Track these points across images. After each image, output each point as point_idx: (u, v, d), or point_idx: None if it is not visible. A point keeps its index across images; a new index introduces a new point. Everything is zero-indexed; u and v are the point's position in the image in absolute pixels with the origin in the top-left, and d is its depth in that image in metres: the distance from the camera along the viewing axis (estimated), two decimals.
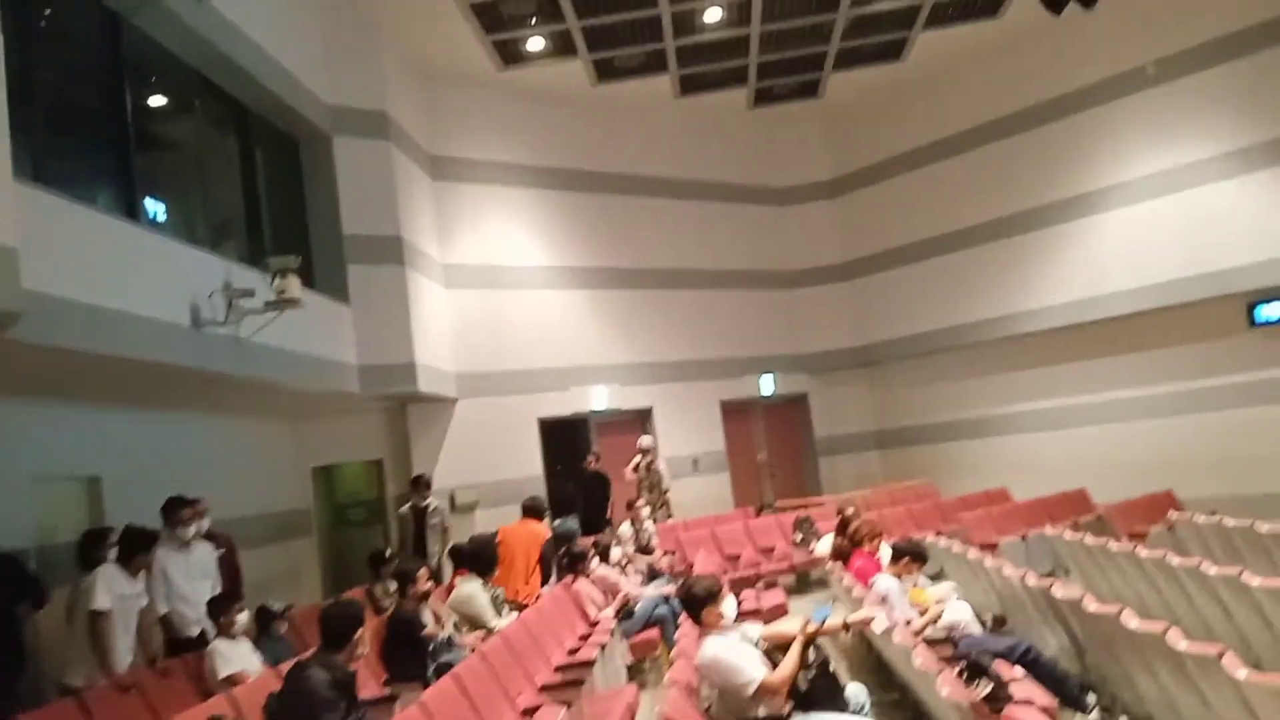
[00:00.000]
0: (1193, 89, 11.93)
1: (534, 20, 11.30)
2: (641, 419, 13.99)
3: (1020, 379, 14.15)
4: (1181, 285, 11.96)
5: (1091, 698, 5.06)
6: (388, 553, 8.70)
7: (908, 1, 11.98)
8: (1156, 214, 12.24)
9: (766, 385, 15.39)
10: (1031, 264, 13.59)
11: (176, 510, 6.47)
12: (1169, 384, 12.59)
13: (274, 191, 9.53)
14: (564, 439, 13.23)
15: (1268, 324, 11.64)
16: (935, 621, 5.92)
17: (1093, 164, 12.87)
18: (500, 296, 12.81)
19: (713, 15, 11.78)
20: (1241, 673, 3.71)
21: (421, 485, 10.15)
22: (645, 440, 12.22)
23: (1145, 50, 12.26)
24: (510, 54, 12.13)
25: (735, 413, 15.25)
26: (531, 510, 9.31)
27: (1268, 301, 11.54)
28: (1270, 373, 11.66)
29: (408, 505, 10.14)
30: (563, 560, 8.35)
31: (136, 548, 5.94)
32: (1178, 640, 4.13)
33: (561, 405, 13.11)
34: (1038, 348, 13.78)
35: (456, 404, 12.16)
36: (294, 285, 7.42)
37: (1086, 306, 12.93)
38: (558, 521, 9.35)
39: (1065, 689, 4.98)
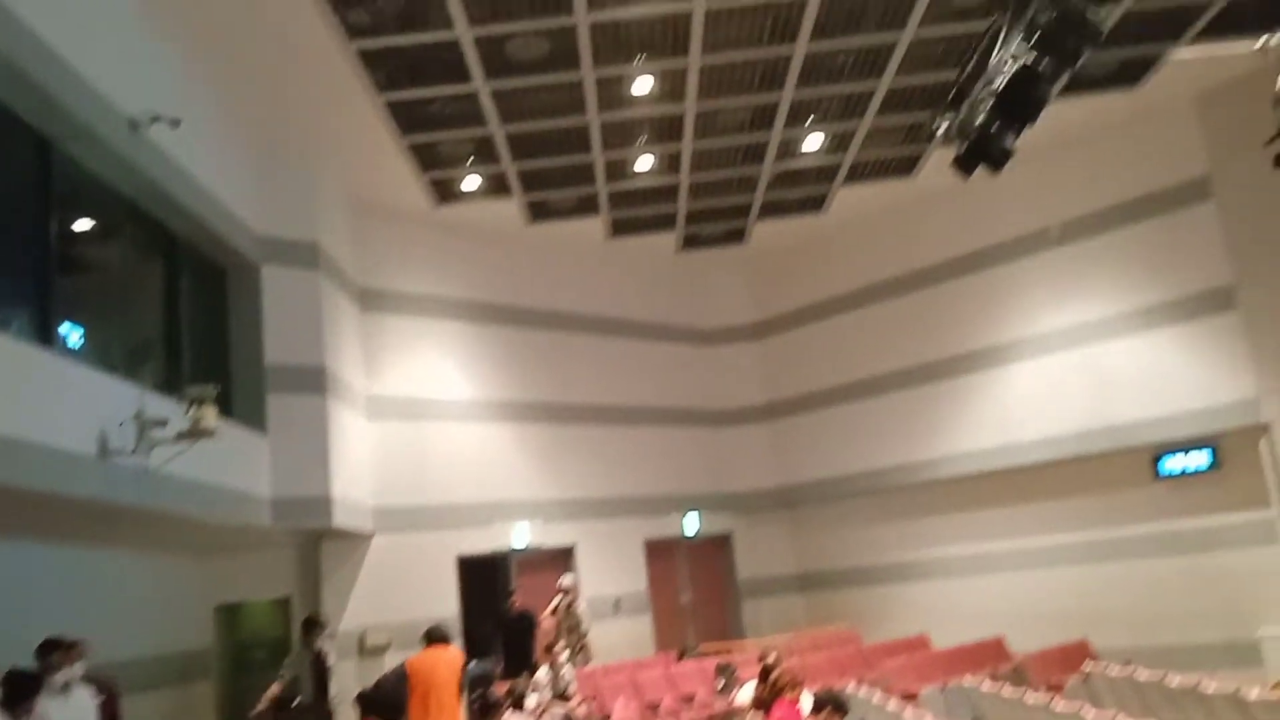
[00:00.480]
0: (1096, 250, 12.66)
1: (471, 161, 11.60)
2: (563, 557, 13.76)
3: (937, 524, 14.34)
4: (1089, 437, 12.40)
5: None
6: (295, 702, 8.25)
7: (828, 159, 12.61)
8: (1064, 367, 12.78)
9: (690, 524, 15.32)
10: (946, 411, 13.98)
11: (48, 653, 6.10)
12: (1080, 533, 12.88)
13: (197, 318, 9.41)
14: (483, 577, 12.90)
15: (1170, 476, 12.11)
16: None
17: (1003, 317, 13.46)
18: (424, 429, 12.67)
19: (644, 164, 12.23)
20: None
21: (315, 628, 9.62)
22: (566, 580, 11.99)
23: (1050, 212, 13.03)
24: (445, 192, 12.37)
25: (659, 552, 15.09)
26: (437, 637, 8.23)
27: (1170, 454, 12.07)
28: (1174, 524, 12.04)
29: (295, 652, 9.58)
30: (475, 706, 8.01)
31: (22, 692, 5.57)
32: None
33: (482, 542, 12.84)
34: (954, 494, 14.04)
35: (372, 539, 11.83)
36: (210, 415, 7.25)
37: (999, 454, 13.28)
38: (473, 663, 9.00)
39: None
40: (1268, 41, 9.19)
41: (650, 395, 15.42)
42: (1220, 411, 11.50)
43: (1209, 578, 11.70)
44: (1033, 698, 7.09)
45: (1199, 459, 11.90)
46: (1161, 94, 11.56)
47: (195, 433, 7.15)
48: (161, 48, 8.14)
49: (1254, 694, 6.64)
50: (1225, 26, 10.13)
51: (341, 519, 10.46)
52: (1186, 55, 10.55)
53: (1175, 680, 7.47)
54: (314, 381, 10.42)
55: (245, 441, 9.32)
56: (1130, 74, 11.11)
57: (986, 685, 8.24)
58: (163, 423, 7.07)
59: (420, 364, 12.89)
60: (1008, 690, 7.65)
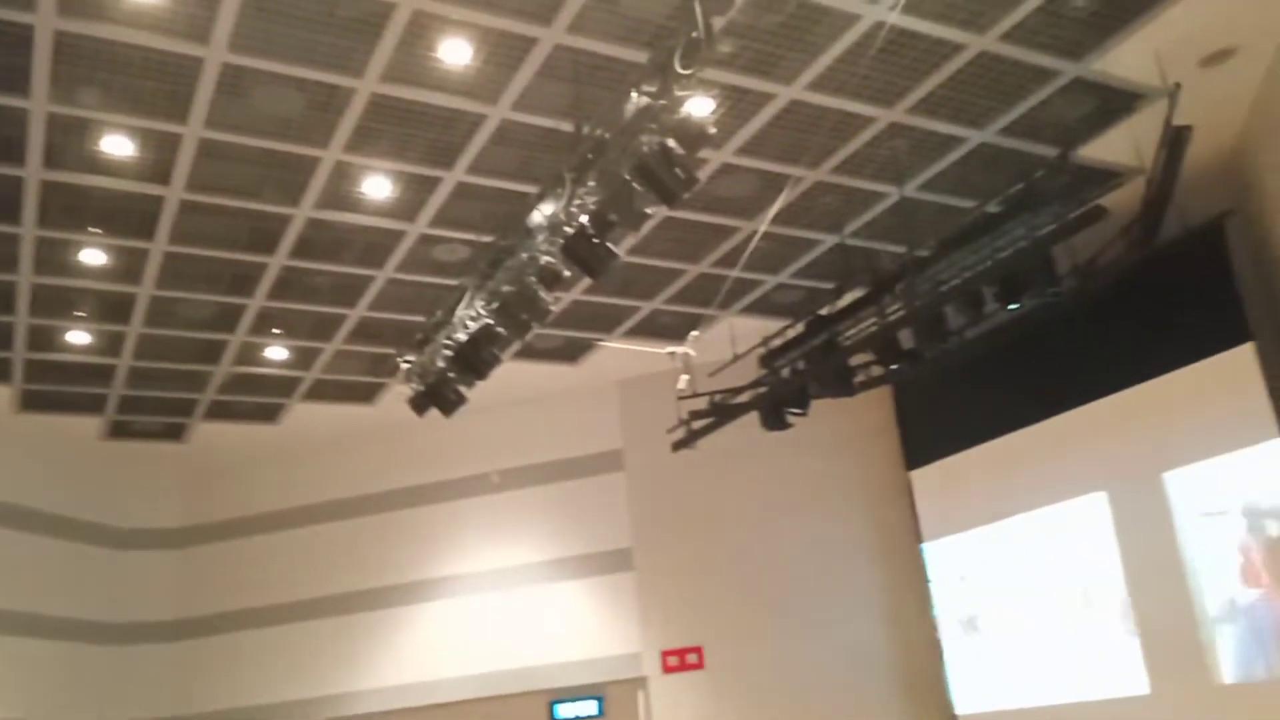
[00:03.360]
0: (526, 501, 13.74)
1: None
2: None
3: None
4: (496, 678, 12.95)
5: None
6: None
7: (290, 373, 12.40)
8: (482, 608, 13.37)
9: None
10: (372, 643, 13.75)
11: None
12: None
13: None
14: None
15: None
16: None
17: (436, 554, 13.85)
18: None
19: (79, 338, 11.00)
20: None
21: None
22: None
23: (493, 460, 13.97)
24: None
25: None
26: None
27: (564, 701, 12.96)
28: None
29: None
30: None
31: None
32: None
33: None
34: None
35: None
36: None
37: (417, 691, 13.25)
38: None
39: None
40: (674, 351, 11.13)
41: (40, 602, 13.09)
42: (610, 663, 12.76)
43: None
44: None
45: (589, 707, 12.92)
46: (594, 374, 13.30)
47: None
48: None
49: None
50: (646, 330, 12.12)
51: None
52: (615, 346, 12.34)
53: None
54: None
55: None
56: (571, 353, 12.69)
57: None
58: None
59: None
60: None
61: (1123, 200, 8.83)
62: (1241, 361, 8.81)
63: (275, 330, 11.28)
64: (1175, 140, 7.22)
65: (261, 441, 14.51)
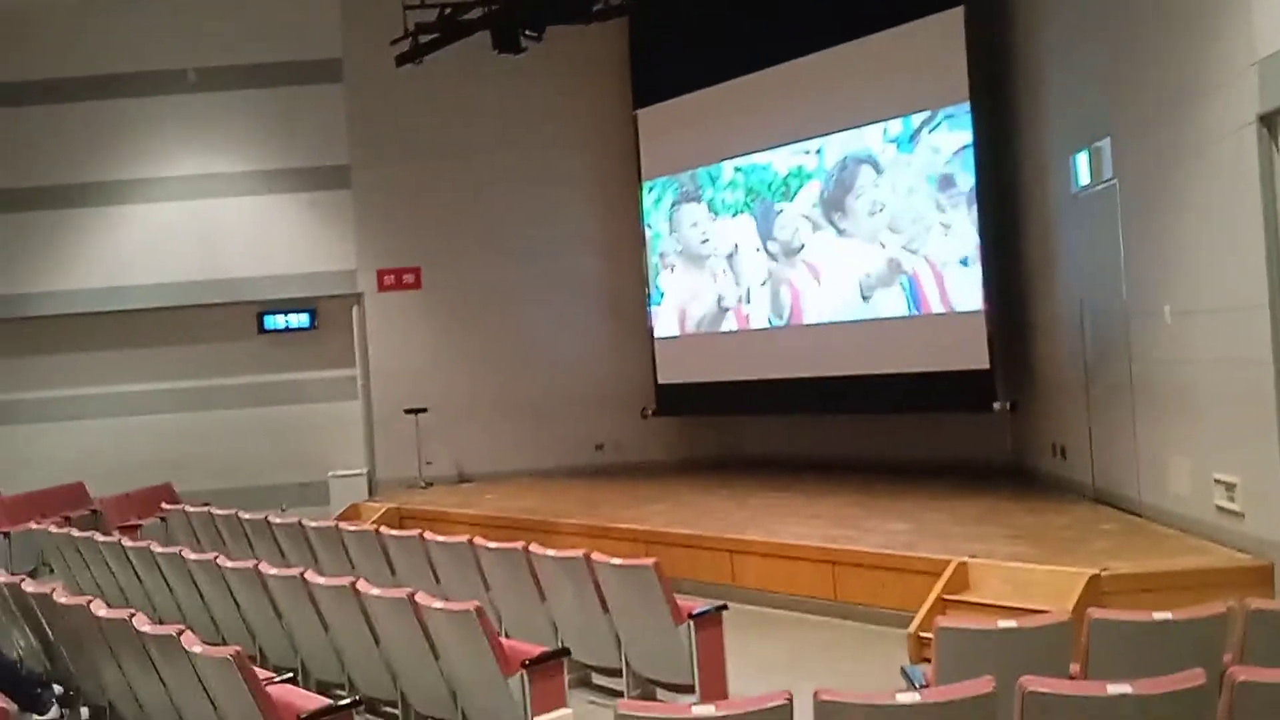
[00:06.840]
0: (230, 105, 12.65)
1: None
2: None
3: (30, 365, 12.97)
4: (199, 288, 12.55)
5: (50, 695, 4.87)
6: None
7: None
8: (182, 215, 12.63)
9: None
10: (53, 244, 12.67)
11: None
12: (182, 381, 12.97)
13: None
14: None
15: (273, 331, 13.06)
16: None
17: (126, 154, 12.63)
18: None
19: None
20: (196, 648, 3.93)
21: None
22: None
23: (191, 56, 12.55)
24: None
25: None
26: None
27: (274, 313, 12.98)
28: (271, 377, 12.97)
29: None
30: None
31: None
32: (142, 624, 4.23)
33: None
34: (53, 333, 12.82)
35: None
36: None
37: (106, 296, 12.57)
38: None
39: (22, 690, 4.69)
40: None
41: None
42: (324, 278, 12.71)
43: (294, 427, 12.90)
44: (103, 538, 6.97)
45: (300, 319, 13.01)
46: None
47: None
48: None
49: (313, 524, 7.47)
50: None
51: None
52: None
53: (246, 515, 8.03)
54: None
55: None
56: None
57: (54, 529, 7.85)
58: None
59: None
60: (78, 533, 7.40)
61: None
62: (951, 24, 9.27)
63: None
64: None
65: None
